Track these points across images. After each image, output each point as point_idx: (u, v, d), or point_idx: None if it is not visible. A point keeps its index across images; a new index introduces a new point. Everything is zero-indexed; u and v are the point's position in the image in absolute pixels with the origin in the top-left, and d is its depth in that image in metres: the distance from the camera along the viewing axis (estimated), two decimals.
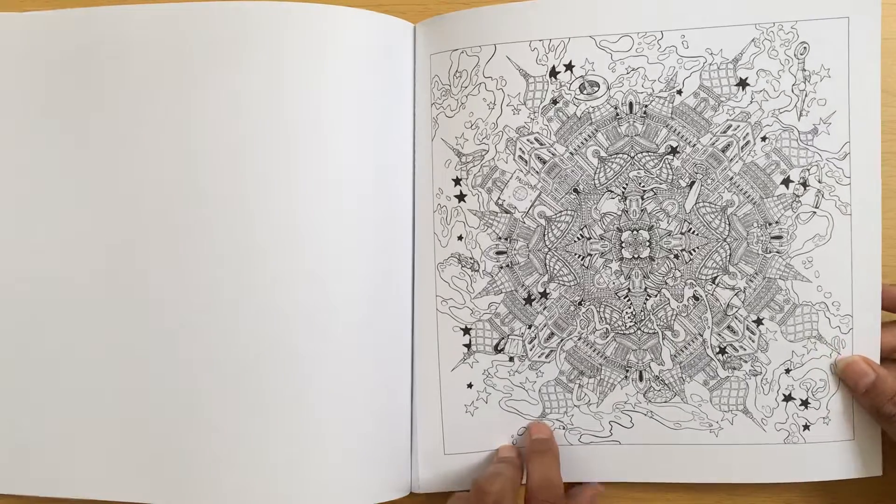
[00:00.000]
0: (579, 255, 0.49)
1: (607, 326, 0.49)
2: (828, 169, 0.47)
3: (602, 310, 0.49)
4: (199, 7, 0.50)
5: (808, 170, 0.47)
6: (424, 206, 0.50)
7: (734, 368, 0.48)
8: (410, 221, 0.50)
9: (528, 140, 0.48)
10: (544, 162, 0.48)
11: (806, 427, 0.48)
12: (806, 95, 0.47)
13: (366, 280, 0.48)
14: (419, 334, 0.50)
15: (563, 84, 0.47)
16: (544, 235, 0.49)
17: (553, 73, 0.47)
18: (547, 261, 0.49)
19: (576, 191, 0.48)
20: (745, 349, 0.48)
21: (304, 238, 0.48)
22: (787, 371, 0.48)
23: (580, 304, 0.49)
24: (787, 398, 0.48)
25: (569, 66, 0.47)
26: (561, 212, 0.48)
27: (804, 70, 0.46)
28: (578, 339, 0.49)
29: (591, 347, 0.49)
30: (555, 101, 0.48)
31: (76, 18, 0.51)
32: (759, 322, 0.48)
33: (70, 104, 0.51)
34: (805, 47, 0.46)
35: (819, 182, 0.47)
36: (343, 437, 0.48)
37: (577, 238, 0.49)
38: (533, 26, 0.47)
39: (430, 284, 0.50)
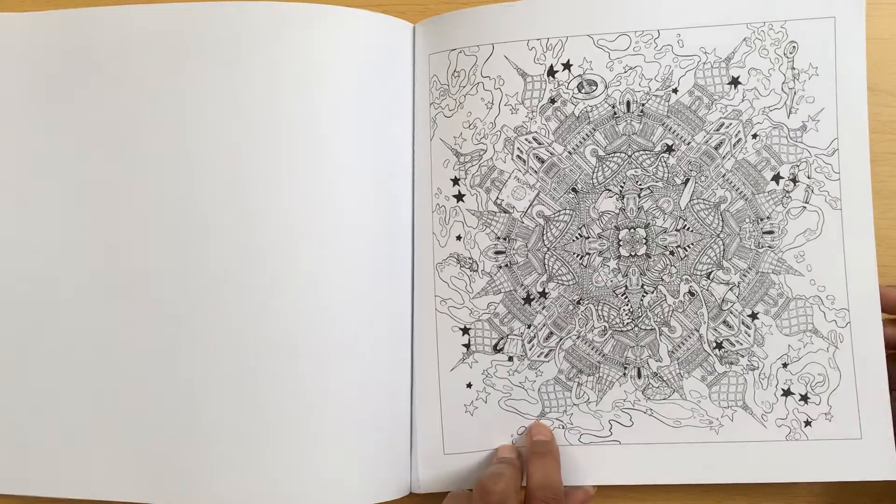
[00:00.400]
0: (578, 255, 0.49)
1: (605, 324, 0.49)
2: (817, 165, 0.48)
3: (600, 308, 0.49)
4: (199, 7, 0.50)
5: (798, 166, 0.48)
6: (423, 206, 0.50)
7: (731, 363, 0.49)
8: (410, 221, 0.50)
9: (526, 139, 0.48)
10: (543, 161, 0.49)
11: (807, 423, 0.48)
12: (795, 93, 0.48)
13: (365, 280, 0.48)
14: (418, 334, 0.50)
15: (560, 83, 0.48)
16: (543, 235, 0.49)
17: (551, 72, 0.48)
18: (546, 260, 0.49)
19: (574, 190, 0.49)
20: (741, 344, 0.49)
21: (304, 238, 0.48)
22: (785, 365, 0.48)
23: (578, 302, 0.49)
24: (787, 393, 0.48)
25: (567, 65, 0.48)
26: (559, 211, 0.49)
27: (793, 69, 0.48)
28: (577, 338, 0.50)
29: (589, 346, 0.49)
30: (553, 101, 0.48)
31: (76, 18, 0.51)
32: (754, 316, 0.49)
33: (70, 104, 0.51)
34: (794, 46, 0.48)
35: (808, 178, 0.48)
36: (343, 437, 0.48)
37: (576, 237, 0.49)
38: (531, 25, 0.48)
39: (430, 284, 0.50)
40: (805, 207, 0.48)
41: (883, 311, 0.48)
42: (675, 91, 0.48)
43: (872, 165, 0.47)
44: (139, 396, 0.49)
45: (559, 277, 0.49)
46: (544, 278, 0.49)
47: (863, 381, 0.48)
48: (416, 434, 0.50)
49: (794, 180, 0.48)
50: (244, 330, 0.48)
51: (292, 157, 0.48)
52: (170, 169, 0.49)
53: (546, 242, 0.49)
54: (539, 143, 0.49)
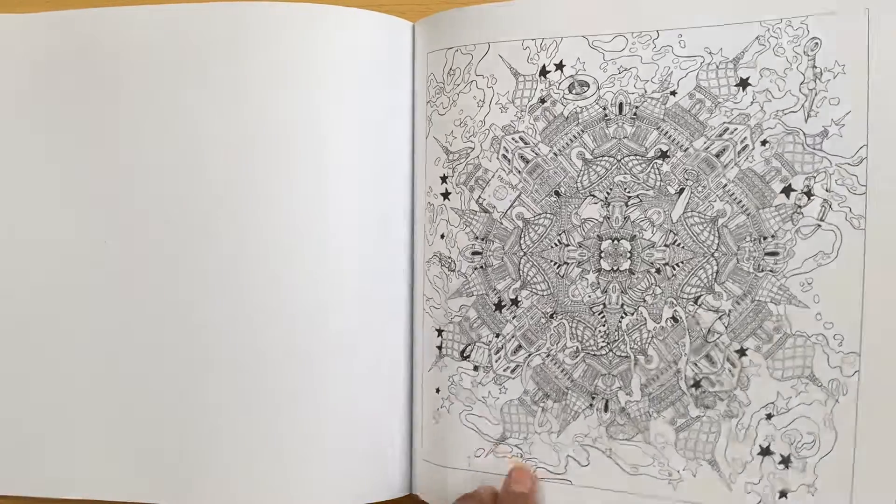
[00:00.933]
0: (555, 263, 0.45)
1: (578, 344, 0.44)
2: (838, 176, 0.39)
3: (574, 325, 0.44)
4: (199, 7, 0.50)
5: (815, 177, 0.40)
6: (419, 205, 0.50)
7: (707, 407, 0.40)
8: (409, 220, 0.50)
9: (512, 139, 0.47)
10: (527, 161, 0.46)
11: (783, 494, 0.37)
12: (815, 94, 0.40)
13: (364, 280, 0.49)
14: (415, 333, 0.49)
15: (552, 83, 0.46)
16: (520, 238, 0.46)
17: (543, 72, 0.46)
18: (521, 265, 0.46)
19: (557, 193, 0.45)
20: (721, 384, 0.40)
21: (304, 238, 0.48)
22: (769, 417, 0.38)
23: (552, 316, 0.45)
24: (765, 451, 0.38)
25: (559, 66, 0.46)
26: (539, 214, 0.46)
27: (814, 67, 0.40)
28: (547, 356, 0.45)
29: (559, 367, 0.44)
30: (543, 101, 0.46)
31: (76, 18, 0.52)
32: (741, 353, 0.40)
33: (70, 104, 0.51)
34: (816, 43, 0.40)
35: (826, 191, 0.39)
36: (342, 437, 0.48)
37: (555, 244, 0.45)
38: (527, 25, 0.47)
39: (420, 283, 0.49)
40: (819, 226, 0.39)
41: None
42: (672, 93, 0.43)
43: None
44: (139, 396, 0.50)
45: (533, 286, 0.45)
46: (517, 285, 0.46)
47: (865, 448, 0.36)
48: (414, 435, 0.49)
49: (809, 193, 0.40)
50: (243, 330, 0.49)
51: (292, 157, 0.49)
52: (169, 169, 0.50)
53: (523, 246, 0.46)
54: (525, 143, 0.46)
